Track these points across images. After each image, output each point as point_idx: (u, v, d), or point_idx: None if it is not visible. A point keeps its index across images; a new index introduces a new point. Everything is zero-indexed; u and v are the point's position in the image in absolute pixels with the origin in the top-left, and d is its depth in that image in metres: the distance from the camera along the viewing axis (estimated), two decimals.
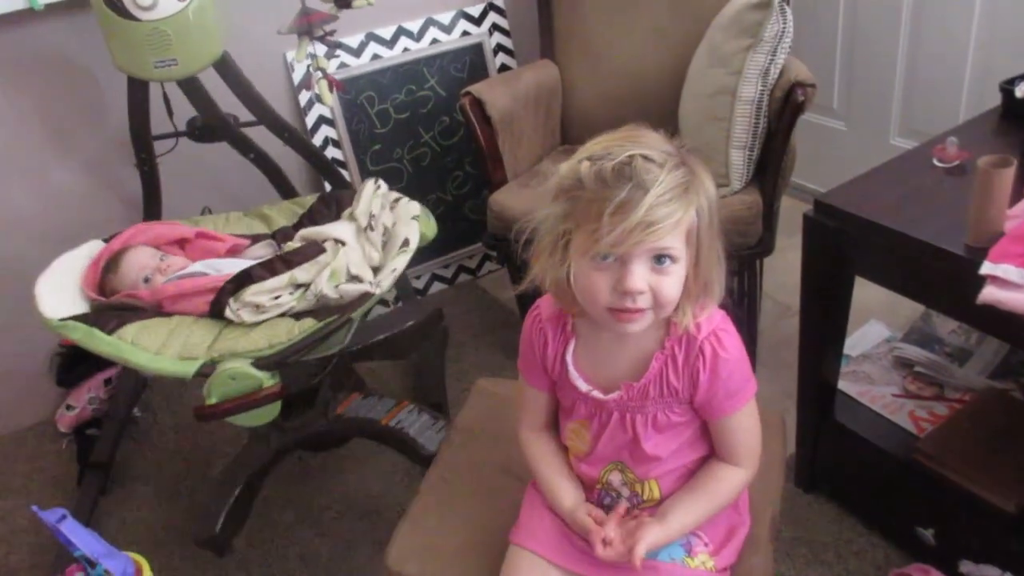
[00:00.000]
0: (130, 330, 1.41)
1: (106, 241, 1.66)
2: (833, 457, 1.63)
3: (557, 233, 0.94)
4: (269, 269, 1.45)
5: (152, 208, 1.97)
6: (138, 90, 1.80)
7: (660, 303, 0.92)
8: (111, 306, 1.52)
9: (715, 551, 1.07)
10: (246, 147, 1.97)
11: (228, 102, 1.90)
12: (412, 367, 2.25)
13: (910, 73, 2.28)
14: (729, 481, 1.05)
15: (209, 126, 1.90)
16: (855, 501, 1.65)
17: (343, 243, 1.51)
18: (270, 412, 1.42)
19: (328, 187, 2.30)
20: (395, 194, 1.68)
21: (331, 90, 1.87)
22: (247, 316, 1.42)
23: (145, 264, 1.58)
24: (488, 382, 1.50)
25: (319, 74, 1.85)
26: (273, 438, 1.75)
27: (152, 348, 1.39)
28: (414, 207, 1.64)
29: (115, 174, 2.13)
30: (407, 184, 2.44)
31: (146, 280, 1.55)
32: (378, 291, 1.46)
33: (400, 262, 1.51)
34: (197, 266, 1.59)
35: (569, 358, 1.04)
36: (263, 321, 1.43)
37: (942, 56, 2.17)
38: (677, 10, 2.09)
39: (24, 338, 2.12)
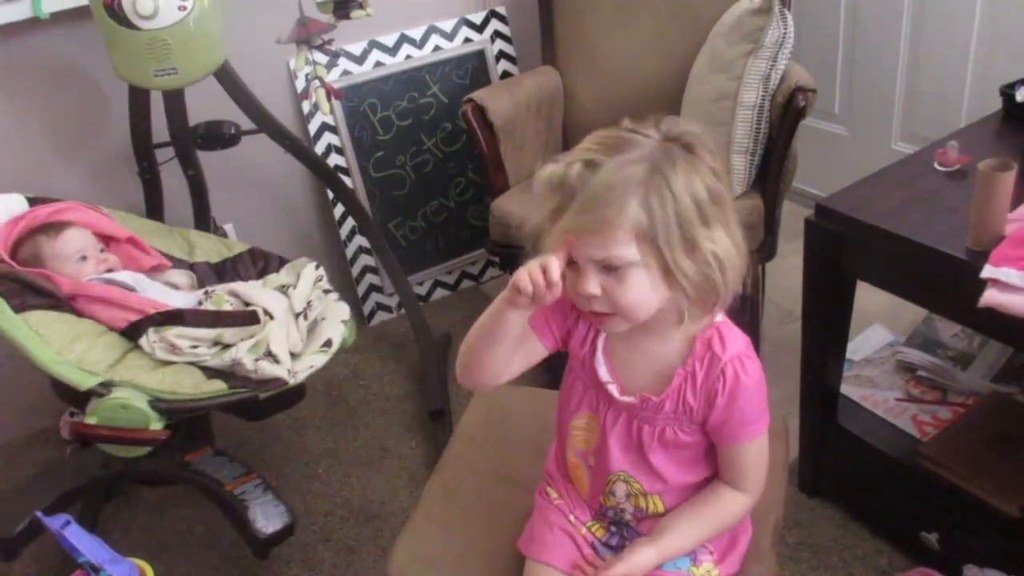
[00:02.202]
0: (38, 317, 1.36)
1: (30, 200, 1.62)
2: (836, 462, 1.63)
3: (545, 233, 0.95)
4: (202, 318, 1.44)
5: (155, 216, 1.97)
6: (139, 98, 1.81)
7: (619, 308, 0.91)
8: (18, 278, 1.44)
9: (720, 559, 1.07)
10: (187, 163, 1.95)
11: (227, 110, 1.90)
12: (412, 372, 2.25)
13: (911, 78, 2.28)
14: (732, 505, 1.04)
15: (210, 134, 1.91)
16: (859, 505, 1.64)
17: (271, 316, 1.51)
18: (142, 450, 1.40)
19: (330, 195, 2.31)
20: (328, 286, 1.70)
21: (329, 99, 1.88)
22: (160, 352, 1.41)
23: (85, 246, 1.55)
24: (490, 389, 1.50)
25: (317, 83, 1.85)
26: (114, 462, 1.61)
27: (55, 346, 1.35)
28: (344, 311, 1.65)
29: (119, 182, 2.13)
30: (410, 191, 2.45)
31: (82, 259, 1.53)
32: (292, 382, 1.45)
33: (319, 361, 1.51)
34: (125, 276, 1.57)
35: (600, 342, 1.03)
36: (172, 363, 1.43)
37: (943, 61, 2.17)
38: (678, 16, 2.10)
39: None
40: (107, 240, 1.67)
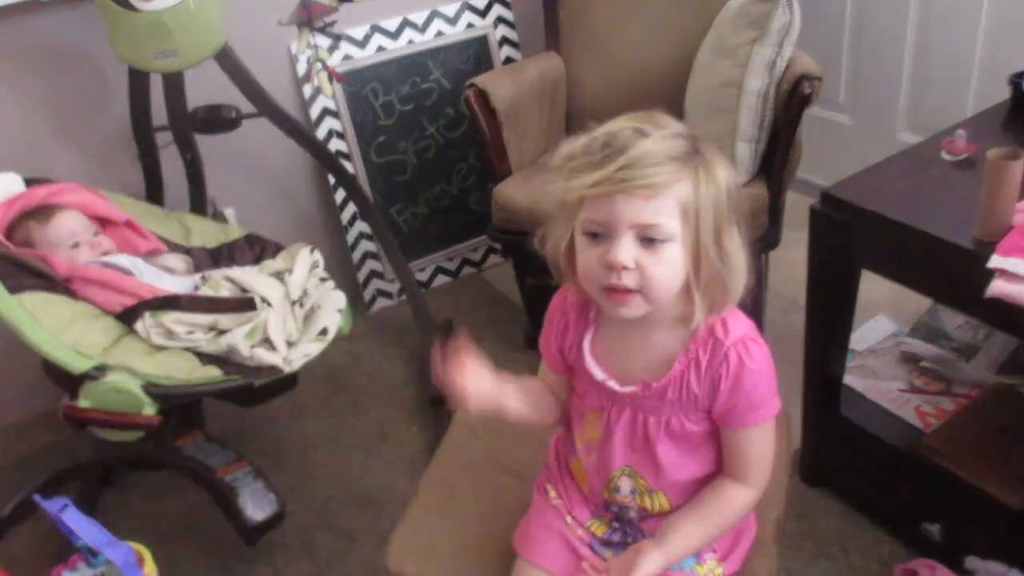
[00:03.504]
0: (34, 298, 1.36)
1: (26, 181, 1.61)
2: (838, 452, 1.63)
3: (559, 206, 0.93)
4: (198, 304, 1.43)
5: (154, 200, 1.96)
6: (139, 81, 1.80)
7: (650, 285, 0.88)
8: (14, 259, 1.44)
9: (723, 557, 1.06)
10: (185, 146, 1.94)
11: (229, 94, 1.89)
12: (413, 358, 2.24)
13: (918, 66, 2.26)
14: (736, 502, 1.01)
15: (211, 118, 1.90)
16: (860, 496, 1.64)
17: (268, 303, 1.49)
18: (134, 435, 1.40)
19: (331, 180, 2.30)
20: (325, 273, 1.69)
21: (331, 81, 1.86)
22: (156, 337, 1.41)
23: (77, 231, 1.54)
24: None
25: (319, 65, 1.84)
26: (106, 447, 1.63)
27: (50, 328, 1.35)
28: (340, 299, 1.63)
29: (119, 166, 2.12)
30: (411, 176, 2.44)
31: (74, 246, 1.52)
32: (287, 370, 1.45)
33: (314, 349, 1.50)
34: (121, 259, 1.55)
35: (586, 345, 1.02)
36: (167, 348, 1.42)
37: (950, 49, 2.15)
38: (683, 1, 2.08)
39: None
40: (103, 222, 1.65)
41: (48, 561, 1.75)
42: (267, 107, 1.92)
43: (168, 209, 1.85)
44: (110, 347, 1.36)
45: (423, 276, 2.56)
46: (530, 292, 2.16)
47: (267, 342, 1.45)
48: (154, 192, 1.96)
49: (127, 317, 1.42)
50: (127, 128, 1.89)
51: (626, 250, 0.87)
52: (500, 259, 2.64)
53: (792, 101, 1.73)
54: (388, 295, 2.51)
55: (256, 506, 1.54)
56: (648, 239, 0.87)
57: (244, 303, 1.47)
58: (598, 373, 1.01)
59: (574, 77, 2.22)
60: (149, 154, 1.91)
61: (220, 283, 1.54)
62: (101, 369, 1.33)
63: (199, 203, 2.02)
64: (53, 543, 1.80)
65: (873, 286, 1.45)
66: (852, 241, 1.35)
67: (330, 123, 2.30)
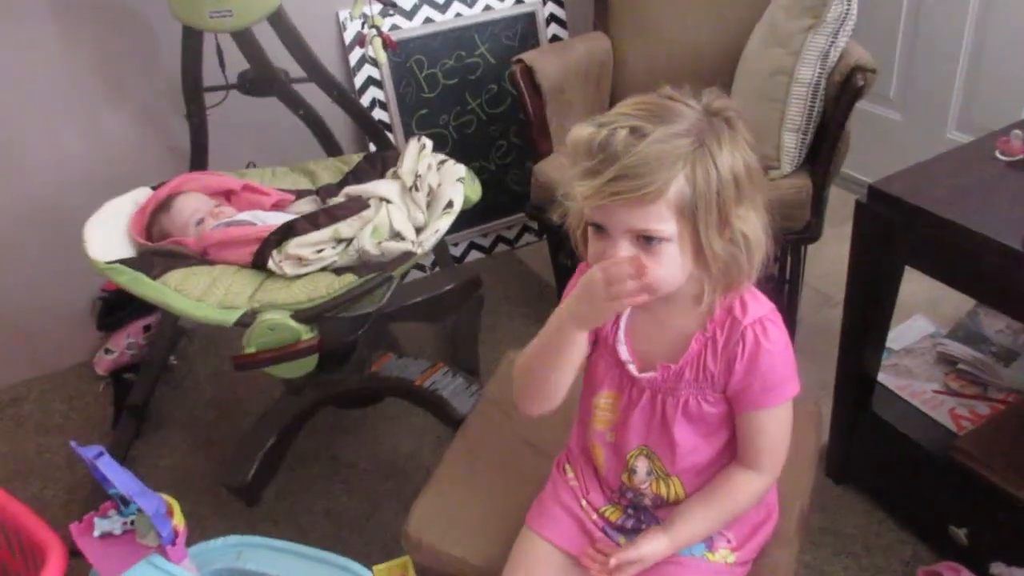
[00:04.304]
0: (174, 276, 1.43)
1: (153, 188, 1.67)
2: (867, 450, 1.61)
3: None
4: (313, 222, 1.45)
5: (199, 159, 1.98)
6: (192, 40, 1.81)
7: (648, 282, 0.88)
8: (157, 251, 1.54)
9: (737, 547, 1.06)
10: (295, 103, 1.97)
11: (278, 57, 1.90)
12: (447, 332, 2.25)
13: (973, 65, 2.21)
14: (746, 488, 1.01)
15: (260, 80, 1.90)
16: (887, 495, 1.62)
17: (388, 201, 1.50)
18: (307, 365, 1.43)
19: (373, 148, 2.30)
20: (441, 155, 1.67)
21: (385, 49, 1.86)
22: (289, 269, 1.43)
23: (198, 208, 1.60)
24: (518, 354, 1.49)
25: (373, 32, 1.83)
26: (307, 392, 1.77)
27: (194, 295, 1.41)
28: (460, 169, 1.62)
29: (165, 123, 2.14)
30: (451, 151, 2.43)
31: (199, 223, 1.57)
32: (420, 251, 1.45)
33: (443, 223, 1.50)
34: (243, 215, 1.60)
35: (623, 321, 1.02)
36: (304, 275, 1.44)
37: (1008, 49, 2.10)
38: None
39: (67, 281, 2.16)
40: (227, 194, 1.70)
41: (78, 508, 1.81)
42: (316, 72, 1.92)
43: (229, 168, 1.86)
44: (254, 294, 1.41)
45: (457, 251, 2.57)
46: (564, 271, 2.15)
47: (397, 236, 1.47)
48: (199, 152, 1.98)
49: (258, 261, 1.46)
50: (176, 86, 1.90)
51: (623, 252, 0.88)
52: (534, 238, 2.63)
53: (843, 93, 1.70)
54: (422, 268, 2.52)
55: (460, 402, 1.68)
56: (646, 238, 0.87)
57: (354, 205, 1.48)
58: (624, 353, 1.02)
59: (621, 58, 2.20)
60: (197, 115, 1.92)
61: (338, 201, 1.56)
62: (251, 314, 1.38)
63: (332, 146, 2.07)
64: (84, 491, 1.85)
65: (911, 286, 1.42)
66: (897, 237, 1.32)
67: (374, 92, 2.30)
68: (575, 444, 1.15)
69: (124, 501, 1.24)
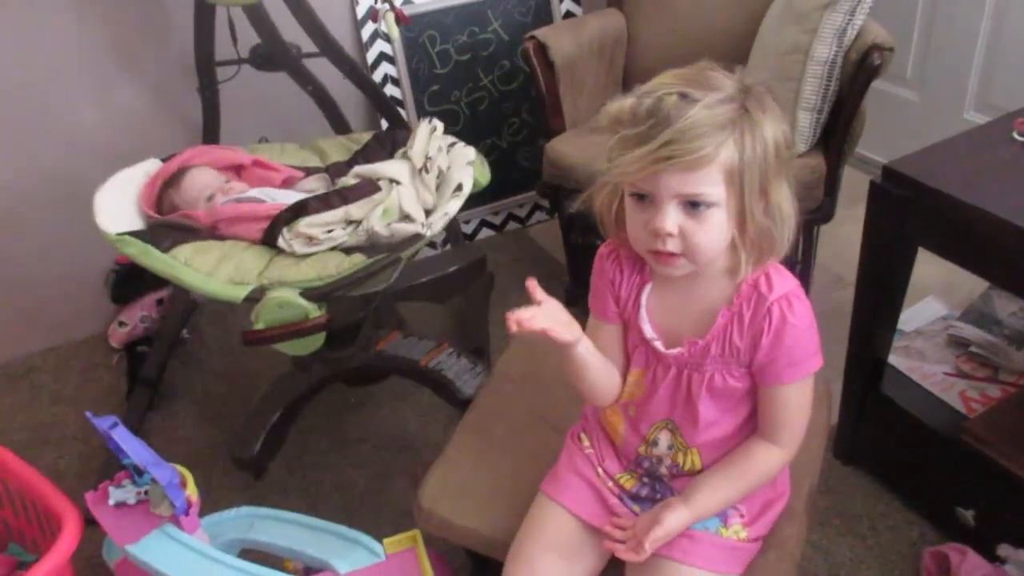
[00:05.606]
0: (184, 250, 1.44)
1: (164, 160, 1.68)
2: (876, 431, 1.61)
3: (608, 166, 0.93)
4: (325, 202, 1.45)
5: (210, 133, 1.98)
6: (205, 14, 1.80)
7: (693, 249, 0.90)
8: (167, 224, 1.55)
9: (749, 522, 1.07)
10: (305, 79, 1.96)
11: (290, 32, 1.89)
12: (455, 311, 2.26)
13: (992, 45, 2.18)
14: (765, 462, 1.02)
15: (272, 55, 1.90)
16: (894, 476, 1.63)
17: (398, 182, 1.50)
18: (314, 342, 1.43)
19: (384, 125, 2.30)
20: (451, 138, 1.67)
21: (398, 23, 1.85)
22: (299, 247, 1.43)
23: (208, 183, 1.60)
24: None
25: (386, 6, 1.82)
26: (314, 368, 1.78)
27: (204, 270, 1.41)
28: (469, 153, 1.62)
29: (176, 97, 2.14)
30: (463, 128, 2.43)
31: (209, 198, 1.57)
32: (429, 233, 1.45)
33: (452, 206, 1.50)
34: (254, 192, 1.60)
35: (644, 299, 1.03)
36: (314, 253, 1.44)
37: None
38: None
39: (81, 254, 2.17)
40: (237, 169, 1.70)
41: (92, 478, 1.83)
42: (328, 47, 1.91)
43: (240, 142, 1.85)
44: (263, 270, 1.42)
45: (468, 228, 2.57)
46: (575, 250, 2.15)
47: (407, 218, 1.47)
48: (211, 127, 1.98)
49: (268, 238, 1.46)
50: (188, 60, 1.90)
51: (670, 218, 0.89)
52: (545, 216, 2.63)
53: (859, 72, 1.68)
54: (432, 245, 2.52)
55: (464, 382, 1.69)
56: (693, 204, 0.88)
57: (365, 187, 1.49)
58: (648, 330, 1.02)
59: (635, 36, 2.18)
60: (210, 88, 1.92)
61: (348, 181, 1.56)
62: (260, 290, 1.39)
63: (340, 124, 2.06)
64: (98, 461, 1.87)
65: (924, 268, 1.42)
66: (911, 218, 1.31)
67: (386, 68, 2.29)
68: (591, 414, 1.17)
69: (138, 471, 1.26)
